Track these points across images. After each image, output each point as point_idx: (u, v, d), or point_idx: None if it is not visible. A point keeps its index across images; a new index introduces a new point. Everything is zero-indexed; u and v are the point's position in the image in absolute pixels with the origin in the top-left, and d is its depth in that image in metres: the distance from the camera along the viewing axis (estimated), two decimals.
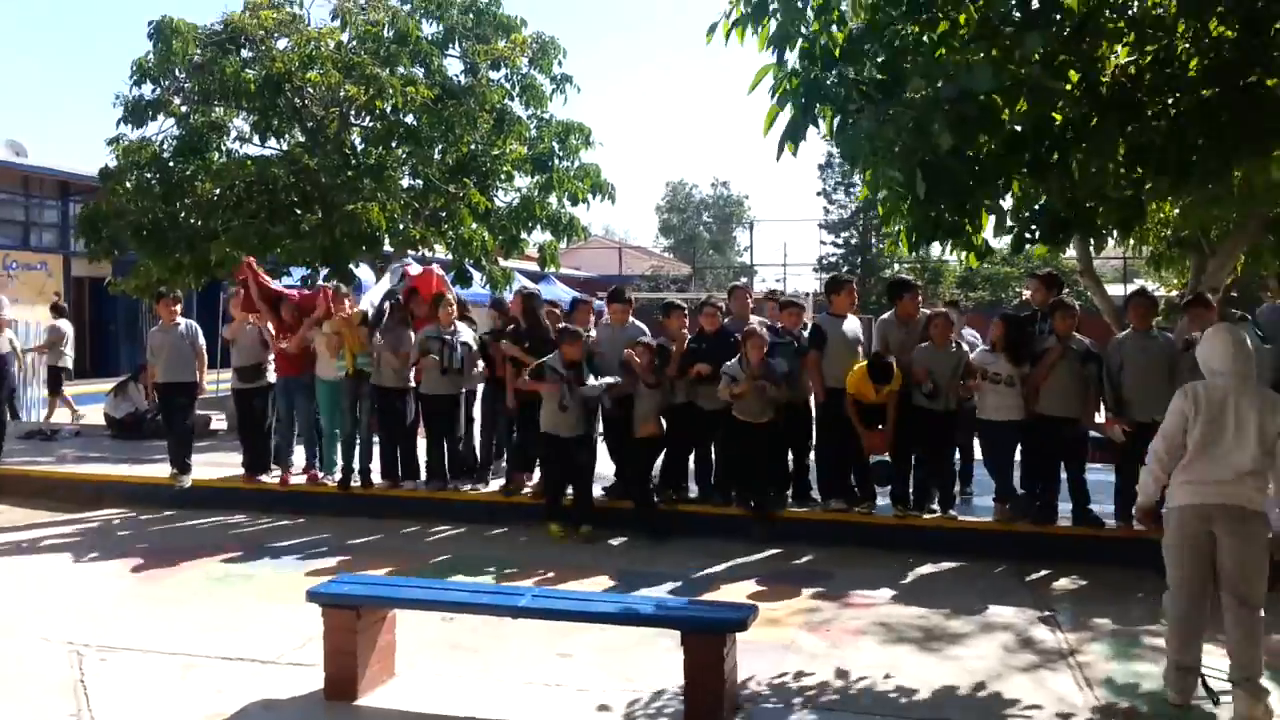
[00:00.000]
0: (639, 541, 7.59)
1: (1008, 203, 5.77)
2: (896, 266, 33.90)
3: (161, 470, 9.31)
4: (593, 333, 8.25)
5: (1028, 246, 5.96)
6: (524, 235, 13.20)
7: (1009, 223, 5.71)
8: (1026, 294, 8.70)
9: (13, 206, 21.21)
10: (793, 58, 5.05)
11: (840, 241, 40.88)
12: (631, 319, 8.41)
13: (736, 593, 6.29)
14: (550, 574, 6.70)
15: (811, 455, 8.08)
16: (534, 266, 15.96)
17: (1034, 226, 5.78)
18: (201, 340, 9.32)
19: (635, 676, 4.90)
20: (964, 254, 6.15)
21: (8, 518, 8.47)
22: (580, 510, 7.81)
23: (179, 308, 9.42)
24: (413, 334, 8.52)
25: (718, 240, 65.36)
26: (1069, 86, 5.14)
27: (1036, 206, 5.79)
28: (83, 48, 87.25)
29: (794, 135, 5.02)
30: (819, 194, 41.51)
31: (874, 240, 38.27)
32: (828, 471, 7.87)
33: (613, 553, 7.41)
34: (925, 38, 5.15)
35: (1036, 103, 4.99)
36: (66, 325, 13.50)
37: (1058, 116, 5.18)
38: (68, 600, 6.18)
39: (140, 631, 5.54)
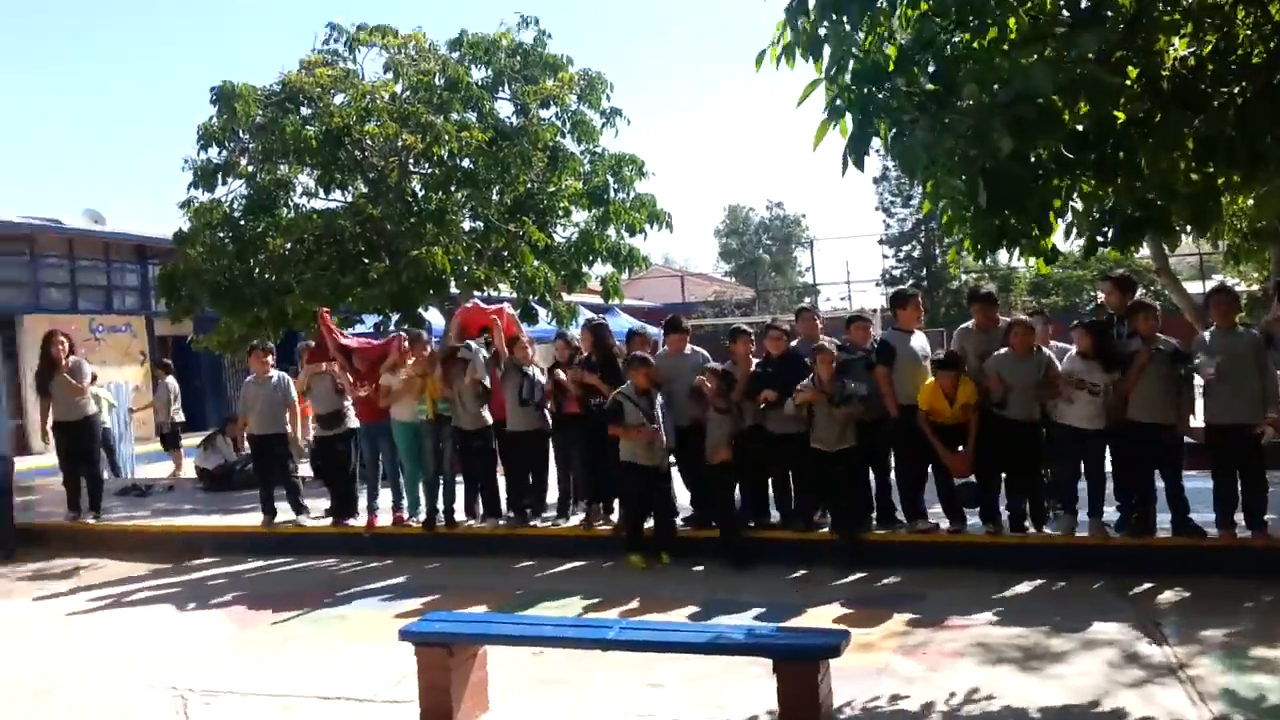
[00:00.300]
0: (722, 569, 7.54)
1: (1077, 204, 5.66)
2: (964, 277, 33.30)
3: (252, 519, 9.56)
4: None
5: (1100, 249, 5.82)
6: (585, 269, 13.36)
7: (1079, 226, 5.59)
8: (1101, 298, 8.48)
9: (95, 272, 22.13)
10: (846, 76, 5.04)
11: (902, 255, 40.36)
12: (691, 346, 8.43)
13: (825, 617, 6.20)
14: (635, 605, 6.71)
15: (893, 476, 7.95)
16: (598, 299, 16.06)
17: (1105, 228, 5.65)
18: (294, 392, 9.52)
19: (727, 704, 4.86)
20: (1032, 259, 6.04)
21: (109, 571, 8.76)
22: (661, 538, 7.81)
23: (271, 359, 9.64)
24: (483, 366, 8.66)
25: (778, 261, 64.95)
26: (1129, 82, 5.03)
27: (1106, 208, 5.67)
28: (151, 115, 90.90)
29: (856, 150, 4.99)
30: (877, 209, 41.04)
31: (937, 252, 37.68)
32: (910, 491, 7.73)
33: (696, 581, 7.38)
34: (975, 44, 5.11)
35: (1096, 101, 4.89)
36: (173, 383, 14.27)
37: (1119, 115, 5.07)
38: (169, 647, 6.35)
39: (240, 675, 5.67)
